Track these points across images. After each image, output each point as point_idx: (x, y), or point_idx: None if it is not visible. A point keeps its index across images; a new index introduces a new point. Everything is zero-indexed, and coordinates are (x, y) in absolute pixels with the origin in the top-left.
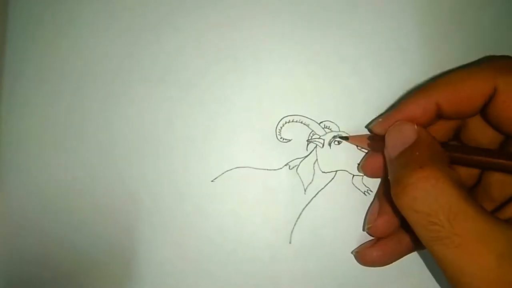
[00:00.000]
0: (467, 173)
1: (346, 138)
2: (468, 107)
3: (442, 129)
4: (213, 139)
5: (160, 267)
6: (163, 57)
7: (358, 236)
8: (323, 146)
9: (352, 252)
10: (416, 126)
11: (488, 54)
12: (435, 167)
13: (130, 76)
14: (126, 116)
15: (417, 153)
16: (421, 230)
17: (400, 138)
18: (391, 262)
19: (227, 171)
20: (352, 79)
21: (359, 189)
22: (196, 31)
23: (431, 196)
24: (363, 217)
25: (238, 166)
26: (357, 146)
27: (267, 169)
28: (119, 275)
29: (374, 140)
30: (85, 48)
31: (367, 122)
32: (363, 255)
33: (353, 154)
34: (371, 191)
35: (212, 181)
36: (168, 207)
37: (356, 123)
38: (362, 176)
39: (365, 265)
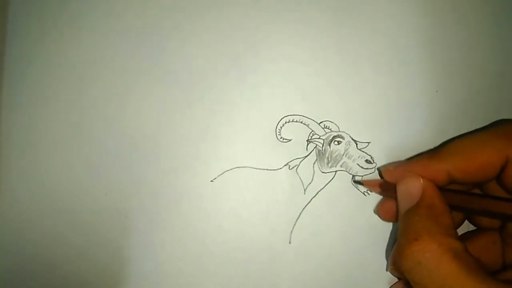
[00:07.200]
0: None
1: (360, 183)
2: (480, 177)
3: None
4: (213, 139)
5: (160, 267)
6: (163, 57)
7: (357, 236)
8: (323, 146)
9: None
10: (422, 182)
11: (487, 54)
12: (431, 238)
13: (131, 76)
14: (126, 116)
15: (416, 218)
16: None
17: (407, 194)
18: None
19: (227, 171)
20: (352, 79)
21: (358, 190)
22: (197, 31)
23: (426, 269)
24: (362, 217)
25: (238, 166)
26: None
27: (267, 169)
28: (118, 274)
29: (385, 187)
30: (86, 48)
31: (367, 122)
32: None
33: None
34: (370, 191)
35: (211, 181)
36: (167, 206)
37: (356, 123)
38: (362, 176)
39: None
